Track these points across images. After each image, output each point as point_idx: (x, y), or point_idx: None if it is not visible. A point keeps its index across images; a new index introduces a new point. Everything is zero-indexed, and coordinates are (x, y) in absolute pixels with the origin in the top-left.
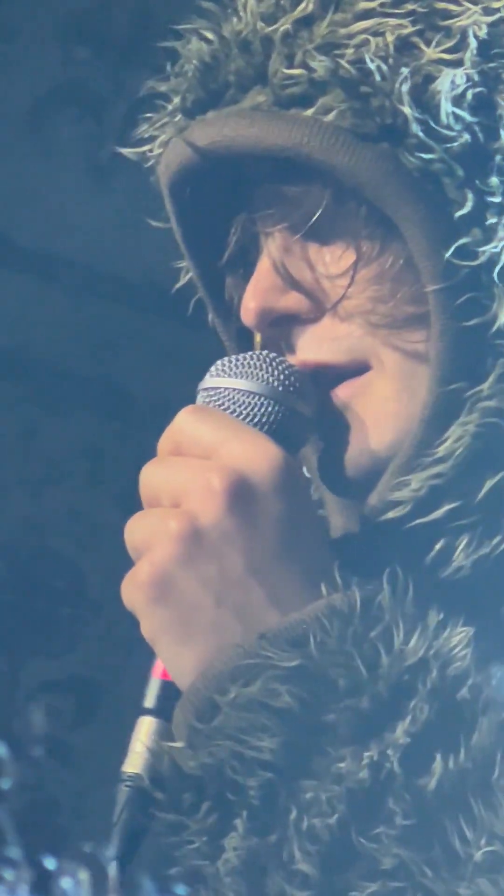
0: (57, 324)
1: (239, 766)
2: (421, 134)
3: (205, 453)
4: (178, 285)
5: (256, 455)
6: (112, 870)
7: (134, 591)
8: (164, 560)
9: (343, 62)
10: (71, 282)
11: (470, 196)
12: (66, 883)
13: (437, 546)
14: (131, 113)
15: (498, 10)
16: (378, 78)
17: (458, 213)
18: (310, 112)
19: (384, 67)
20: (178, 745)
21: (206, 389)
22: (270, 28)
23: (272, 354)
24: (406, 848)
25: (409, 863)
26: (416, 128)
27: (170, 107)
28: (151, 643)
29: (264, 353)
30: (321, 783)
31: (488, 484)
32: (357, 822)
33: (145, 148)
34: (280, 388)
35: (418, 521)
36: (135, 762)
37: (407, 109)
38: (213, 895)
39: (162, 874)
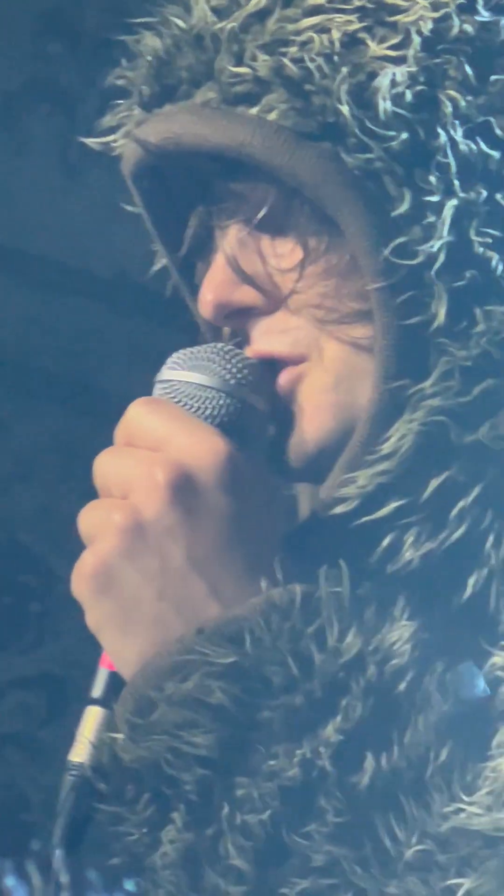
0: (26, 319)
1: (175, 761)
2: (359, 132)
3: (153, 445)
4: (153, 269)
5: (202, 449)
6: (56, 858)
7: (79, 581)
8: (107, 552)
9: (286, 60)
10: (42, 278)
11: (408, 195)
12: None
13: (385, 541)
14: (103, 109)
15: (446, 4)
16: (319, 76)
17: (396, 212)
18: (255, 110)
19: (325, 66)
20: (119, 736)
21: (161, 381)
22: (220, 24)
23: (227, 347)
24: (337, 845)
25: (341, 860)
26: (354, 126)
27: (131, 98)
28: (95, 634)
29: (219, 345)
30: (254, 780)
31: (433, 483)
32: (289, 819)
33: (109, 138)
34: (232, 382)
35: (366, 518)
36: (80, 752)
37: (345, 108)
38: (152, 887)
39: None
